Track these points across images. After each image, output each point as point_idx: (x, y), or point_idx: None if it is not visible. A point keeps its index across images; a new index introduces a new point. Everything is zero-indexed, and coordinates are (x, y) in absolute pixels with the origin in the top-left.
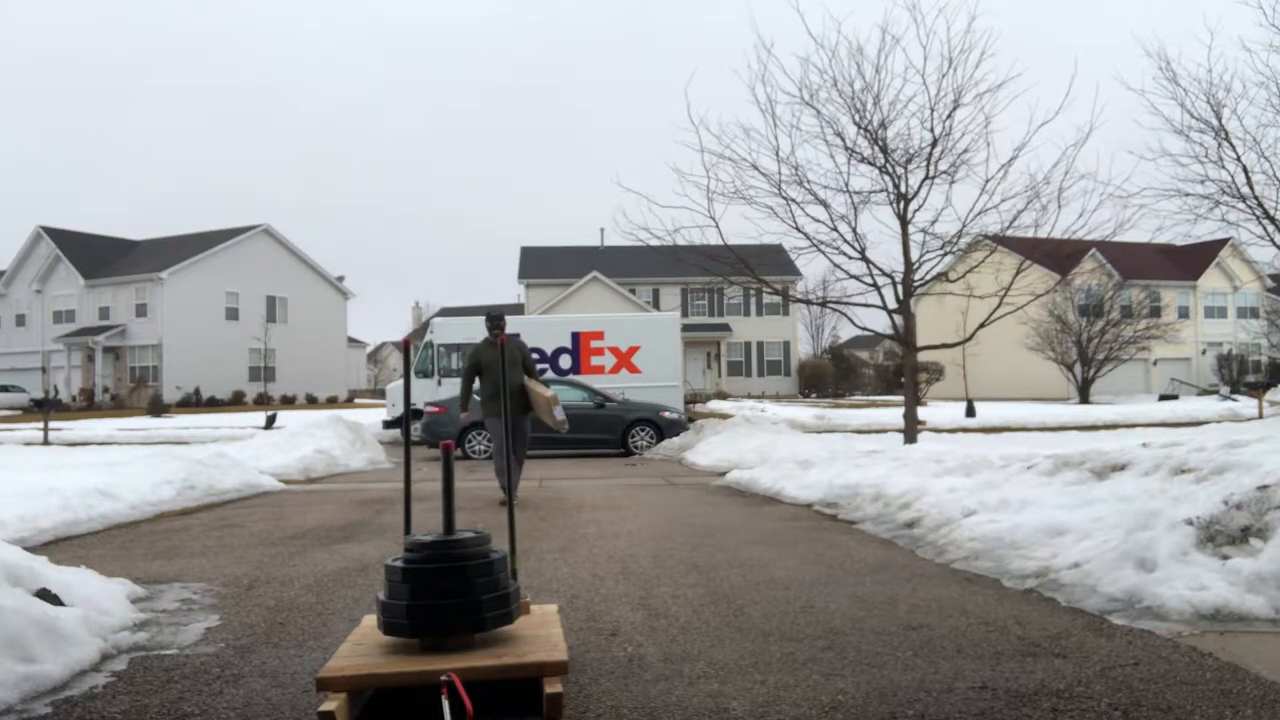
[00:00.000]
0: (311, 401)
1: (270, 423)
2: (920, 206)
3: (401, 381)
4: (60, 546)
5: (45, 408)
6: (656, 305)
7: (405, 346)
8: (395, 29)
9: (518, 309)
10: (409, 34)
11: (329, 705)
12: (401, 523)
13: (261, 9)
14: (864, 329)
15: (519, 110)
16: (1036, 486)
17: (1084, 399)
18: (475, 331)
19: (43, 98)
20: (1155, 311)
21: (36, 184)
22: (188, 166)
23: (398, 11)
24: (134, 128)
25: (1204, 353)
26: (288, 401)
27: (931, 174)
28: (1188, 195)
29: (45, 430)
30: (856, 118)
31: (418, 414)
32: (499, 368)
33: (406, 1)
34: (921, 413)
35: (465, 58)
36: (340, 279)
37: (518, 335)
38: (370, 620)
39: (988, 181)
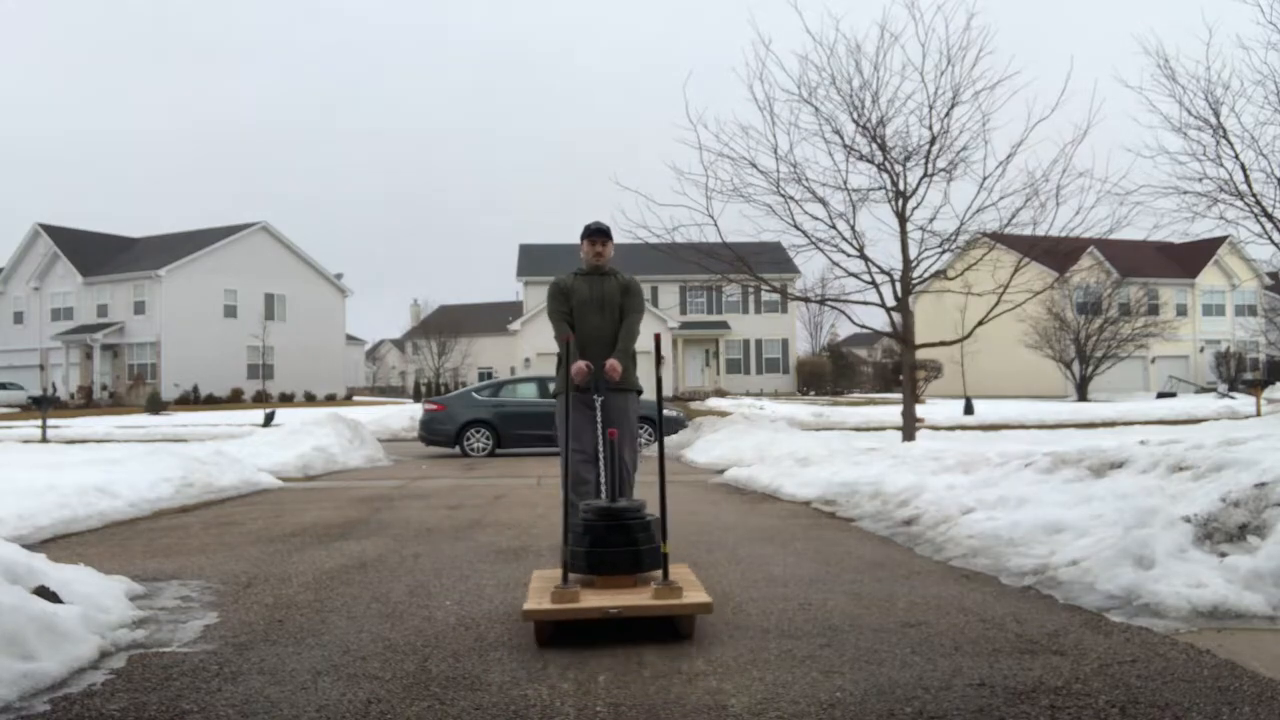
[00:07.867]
0: (310, 399)
1: (269, 420)
2: (919, 204)
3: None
4: (59, 544)
5: (43, 405)
6: (655, 303)
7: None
8: (392, 28)
9: (516, 306)
10: (407, 33)
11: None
12: (400, 521)
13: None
14: (863, 326)
15: (520, 109)
16: (1034, 484)
17: (1082, 396)
18: None
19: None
20: (1153, 309)
21: (35, 181)
22: (186, 164)
23: (394, 10)
24: (135, 124)
25: (1202, 350)
26: (286, 399)
27: (930, 171)
28: (1185, 193)
29: (43, 428)
30: (855, 115)
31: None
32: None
33: (395, 2)
34: (920, 410)
35: (464, 57)
36: (339, 276)
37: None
38: (539, 575)
39: (986, 179)
